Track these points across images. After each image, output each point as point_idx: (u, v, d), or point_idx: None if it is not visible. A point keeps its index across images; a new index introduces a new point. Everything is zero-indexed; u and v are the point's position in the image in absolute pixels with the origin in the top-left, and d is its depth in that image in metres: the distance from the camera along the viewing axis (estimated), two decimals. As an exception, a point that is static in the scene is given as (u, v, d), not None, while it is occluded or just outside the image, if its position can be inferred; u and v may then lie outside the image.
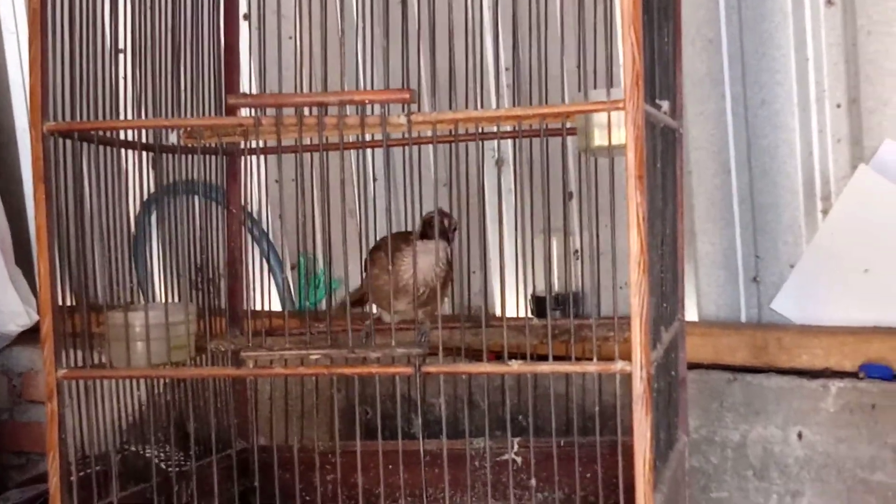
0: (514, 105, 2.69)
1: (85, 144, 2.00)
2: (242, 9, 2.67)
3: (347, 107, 1.91)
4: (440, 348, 1.92)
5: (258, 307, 2.72)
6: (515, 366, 1.84)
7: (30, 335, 3.62)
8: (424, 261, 2.20)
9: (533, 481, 2.34)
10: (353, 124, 1.90)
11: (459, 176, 2.15)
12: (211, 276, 2.48)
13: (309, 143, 1.96)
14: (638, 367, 1.70)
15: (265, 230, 3.43)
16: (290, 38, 2.38)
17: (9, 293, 3.55)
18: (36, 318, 3.59)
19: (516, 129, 1.99)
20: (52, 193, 1.91)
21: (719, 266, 2.87)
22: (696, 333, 2.72)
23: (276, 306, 3.36)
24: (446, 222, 2.25)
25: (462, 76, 2.34)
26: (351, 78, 3.06)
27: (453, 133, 2.06)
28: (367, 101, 1.87)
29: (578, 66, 2.18)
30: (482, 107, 2.47)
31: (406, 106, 1.85)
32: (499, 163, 2.99)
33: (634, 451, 1.70)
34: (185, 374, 2.33)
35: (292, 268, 3.45)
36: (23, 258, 3.74)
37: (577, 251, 2.83)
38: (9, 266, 3.58)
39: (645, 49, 1.73)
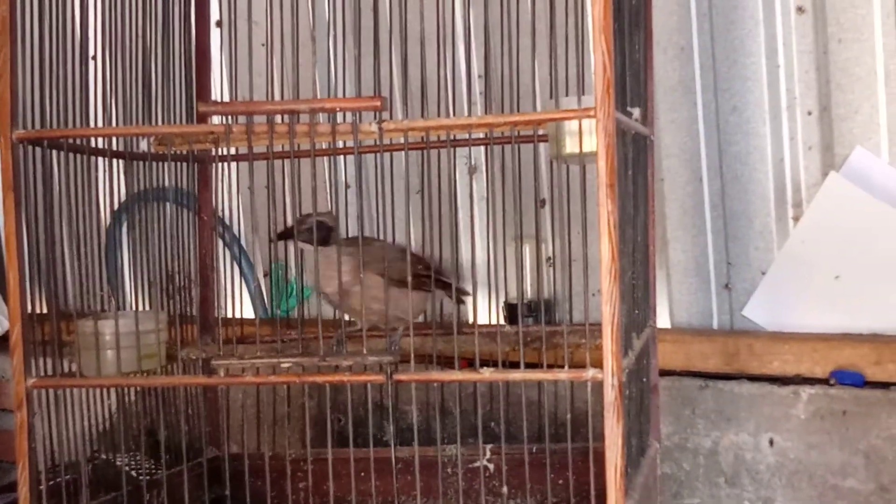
0: (486, 113, 2.70)
1: (55, 152, 1.99)
2: (215, 15, 2.67)
3: (319, 114, 1.90)
4: (412, 356, 1.92)
5: (230, 315, 2.71)
6: (487, 373, 1.84)
7: (1, 342, 3.59)
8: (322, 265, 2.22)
9: (505, 488, 2.33)
10: (325, 132, 1.90)
11: (431, 183, 2.15)
12: (182, 283, 2.47)
13: (281, 150, 1.96)
14: (609, 375, 1.70)
15: (237, 237, 3.42)
16: (263, 44, 2.37)
17: (-21, 301, 3.53)
18: (7, 326, 3.57)
19: (488, 136, 1.99)
20: (22, 201, 1.90)
21: (691, 273, 2.87)
22: (668, 340, 2.72)
23: (248, 314, 3.35)
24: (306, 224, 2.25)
25: (434, 84, 2.35)
26: (323, 85, 3.05)
27: (425, 140, 2.06)
28: (337, 109, 1.87)
29: (550, 74, 2.19)
30: (454, 114, 2.47)
31: (378, 113, 1.85)
32: (471, 170, 3.00)
33: (606, 459, 1.70)
34: (156, 383, 2.32)
35: (264, 275, 3.45)
36: (-7, 266, 3.73)
37: (549, 258, 2.84)
38: (-21, 274, 3.56)
39: (616, 57, 1.73)
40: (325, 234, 2.29)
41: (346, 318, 2.32)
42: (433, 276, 2.27)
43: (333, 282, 2.22)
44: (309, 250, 2.27)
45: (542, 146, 2.27)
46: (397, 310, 2.25)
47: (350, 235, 2.43)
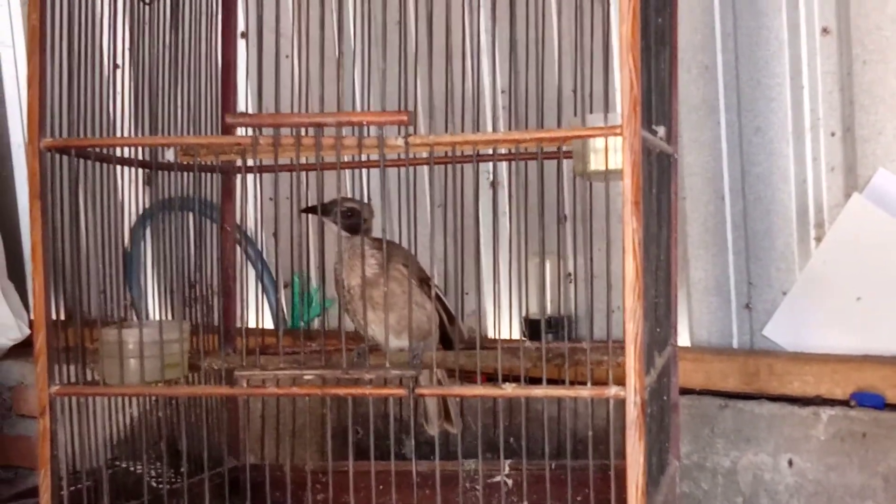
0: (510, 128, 2.70)
1: (81, 161, 1.99)
2: (241, 27, 2.68)
3: (344, 127, 1.91)
4: (433, 369, 1.92)
5: (251, 325, 2.71)
6: (509, 389, 1.84)
7: (20, 349, 3.61)
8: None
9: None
10: (351, 145, 1.90)
11: (455, 198, 2.16)
12: (204, 293, 2.47)
13: (305, 162, 1.96)
14: (632, 393, 1.70)
15: (259, 248, 3.42)
16: (287, 56, 2.38)
17: (1, 307, 3.54)
18: (27, 332, 3.59)
19: (512, 152, 1.99)
20: (49, 209, 1.91)
21: (712, 292, 2.87)
22: (688, 359, 2.72)
23: (269, 324, 3.35)
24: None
25: (459, 99, 2.35)
26: (347, 99, 3.06)
27: (449, 155, 2.06)
28: (364, 123, 1.87)
29: (574, 91, 2.19)
30: (479, 130, 2.47)
31: (404, 128, 1.85)
32: (494, 185, 3.00)
33: (627, 477, 1.70)
34: (179, 393, 2.33)
35: (285, 286, 3.45)
36: (14, 272, 3.74)
37: (569, 274, 2.83)
38: (1, 280, 3.58)
39: (642, 75, 1.73)
40: (354, 222, 2.30)
41: (364, 325, 2.31)
42: (434, 290, 2.28)
43: (357, 272, 2.23)
44: (333, 237, 2.27)
45: (565, 162, 2.28)
46: (416, 315, 2.25)
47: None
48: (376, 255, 2.25)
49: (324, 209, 2.26)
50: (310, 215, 2.26)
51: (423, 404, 2.41)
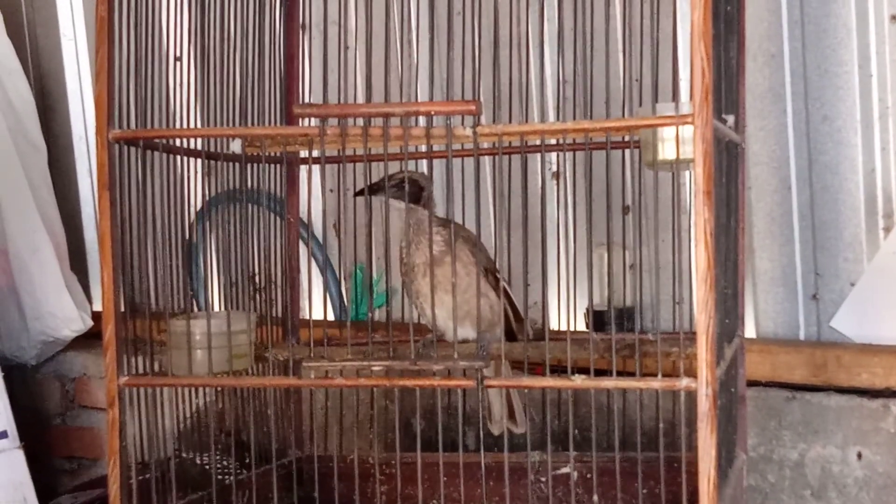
0: (574, 119, 2.68)
1: (147, 152, 1.99)
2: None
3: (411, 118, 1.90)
4: (503, 360, 1.91)
5: (314, 317, 2.71)
6: (579, 380, 1.83)
7: (83, 340, 3.64)
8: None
9: (595, 497, 2.31)
10: (419, 135, 1.89)
11: (522, 189, 2.14)
12: (265, 284, 2.47)
13: (367, 153, 1.96)
14: (703, 385, 1.68)
15: (320, 240, 3.43)
16: (349, 48, 2.37)
17: (64, 298, 3.57)
18: (90, 323, 3.61)
19: (576, 142, 1.97)
20: (117, 201, 1.91)
21: (778, 283, 2.84)
22: (754, 350, 2.69)
23: (331, 316, 3.35)
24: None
25: (522, 89, 2.33)
26: (409, 90, 3.05)
27: (515, 145, 2.05)
28: (433, 113, 1.86)
29: (639, 80, 2.17)
30: (542, 120, 2.46)
31: (473, 118, 1.83)
32: (556, 175, 2.98)
33: (699, 470, 1.68)
34: (246, 383, 2.33)
35: (346, 278, 3.45)
36: (76, 264, 3.77)
37: (632, 266, 2.82)
38: (64, 272, 3.61)
39: (713, 63, 1.71)
40: (415, 192, 2.27)
41: (427, 308, 2.27)
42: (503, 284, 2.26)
43: (423, 248, 2.20)
44: (398, 213, 2.24)
45: (626, 152, 2.27)
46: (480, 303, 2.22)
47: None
48: (442, 231, 2.22)
49: (377, 187, 2.23)
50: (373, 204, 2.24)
51: (487, 401, 2.39)
